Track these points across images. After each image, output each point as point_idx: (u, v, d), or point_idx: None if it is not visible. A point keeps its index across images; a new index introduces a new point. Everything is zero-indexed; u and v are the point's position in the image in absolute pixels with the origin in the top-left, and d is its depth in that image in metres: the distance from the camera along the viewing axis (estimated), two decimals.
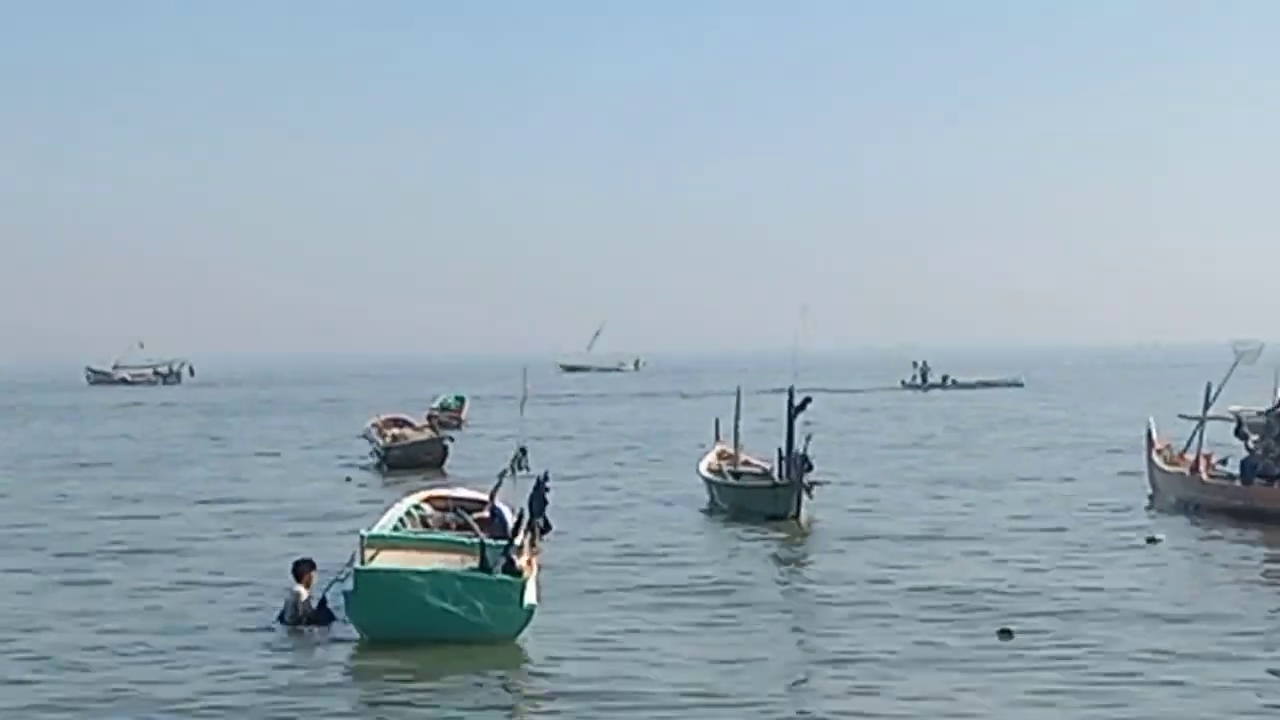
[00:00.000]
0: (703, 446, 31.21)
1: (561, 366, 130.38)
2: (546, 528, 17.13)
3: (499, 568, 15.13)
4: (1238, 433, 25.86)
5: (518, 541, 15.84)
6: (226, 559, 20.84)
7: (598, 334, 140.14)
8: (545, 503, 16.71)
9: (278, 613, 16.10)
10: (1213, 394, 27.08)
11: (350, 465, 37.34)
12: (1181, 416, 28.71)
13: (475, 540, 16.24)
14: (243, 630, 15.70)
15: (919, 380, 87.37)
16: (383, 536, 16.95)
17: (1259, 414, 26.94)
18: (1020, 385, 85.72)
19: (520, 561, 15.38)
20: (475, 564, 15.43)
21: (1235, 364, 28.09)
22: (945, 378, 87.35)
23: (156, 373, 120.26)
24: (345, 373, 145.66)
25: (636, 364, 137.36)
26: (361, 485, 32.52)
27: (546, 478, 17.00)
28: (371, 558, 15.84)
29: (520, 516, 16.48)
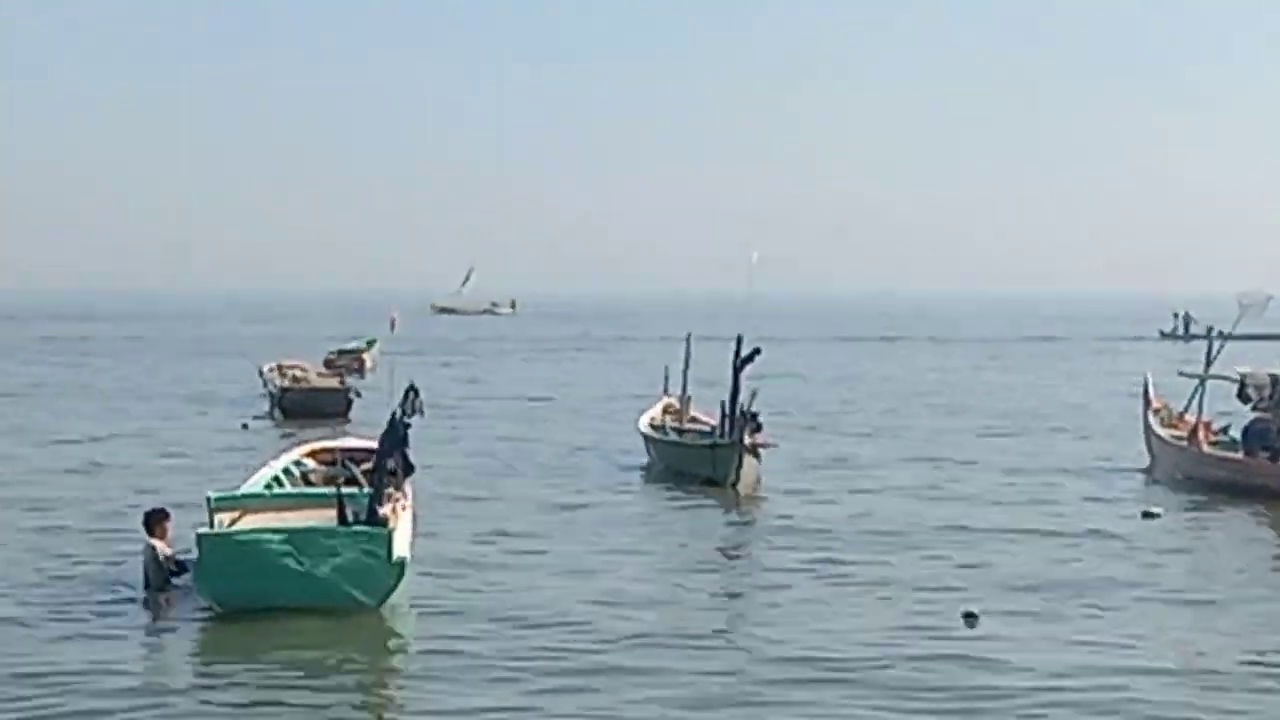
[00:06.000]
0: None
1: (434, 307, 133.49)
2: (408, 469, 16.67)
3: (360, 518, 14.93)
4: (1240, 395, 25.39)
5: (383, 487, 15.63)
6: (107, 519, 20.21)
7: (470, 274, 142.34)
8: (403, 440, 16.19)
9: (142, 575, 15.71)
10: (1215, 351, 26.57)
11: (243, 414, 35.97)
12: (1182, 374, 28.20)
13: (332, 492, 15.97)
14: (98, 600, 15.37)
15: (1180, 331, 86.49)
16: (233, 497, 16.75)
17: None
18: None
19: (384, 510, 15.12)
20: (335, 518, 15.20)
21: (1240, 318, 27.63)
22: (1210, 329, 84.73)
23: None
24: (189, 309, 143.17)
25: (513, 305, 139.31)
26: (258, 434, 32.12)
27: (410, 404, 16.23)
28: (228, 522, 15.64)
29: (378, 457, 16.14)
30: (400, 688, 12.83)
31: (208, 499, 16.06)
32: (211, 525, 15.46)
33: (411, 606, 14.98)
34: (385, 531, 14.76)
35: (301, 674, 12.79)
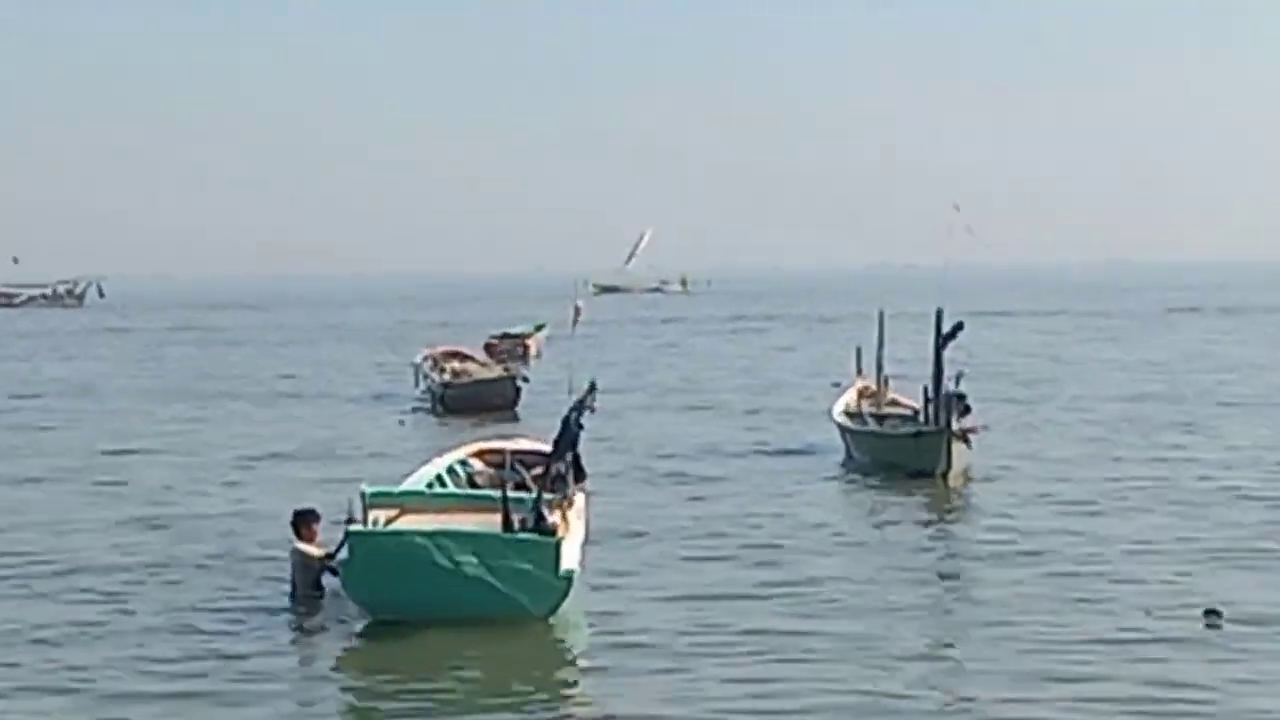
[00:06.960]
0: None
1: (596, 286, 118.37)
2: (580, 474, 15.75)
3: (527, 526, 14.06)
4: None
5: (553, 493, 14.83)
6: (253, 519, 19.40)
7: (640, 243, 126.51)
8: (574, 441, 15.23)
9: (289, 579, 15.05)
10: None
11: (398, 408, 34.45)
12: None
13: (498, 494, 14.97)
14: (242, 606, 14.76)
15: None
16: (390, 494, 15.75)
17: None
18: None
19: (553, 518, 14.20)
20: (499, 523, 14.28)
21: None
22: None
23: (48, 295, 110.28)
24: (335, 297, 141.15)
25: (684, 283, 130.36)
26: (416, 430, 30.96)
27: (584, 405, 15.13)
28: (383, 520, 14.81)
29: (550, 460, 15.31)
30: (565, 708, 11.88)
31: (362, 494, 15.07)
32: (365, 523, 14.50)
33: (580, 620, 13.95)
34: (553, 541, 13.77)
35: (456, 694, 12.02)
